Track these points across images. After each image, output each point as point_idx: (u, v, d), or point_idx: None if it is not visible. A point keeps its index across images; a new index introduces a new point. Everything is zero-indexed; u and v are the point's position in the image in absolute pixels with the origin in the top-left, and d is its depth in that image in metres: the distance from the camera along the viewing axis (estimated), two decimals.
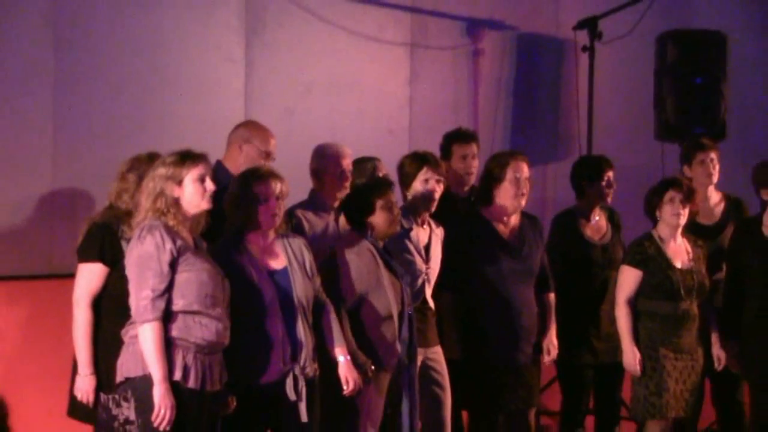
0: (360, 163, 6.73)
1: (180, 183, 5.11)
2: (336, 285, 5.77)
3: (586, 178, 7.05)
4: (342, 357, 5.63)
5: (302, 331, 5.43)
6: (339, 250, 5.88)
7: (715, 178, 7.19)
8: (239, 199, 5.47)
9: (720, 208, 7.25)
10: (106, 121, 6.93)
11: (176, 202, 5.10)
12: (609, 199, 7.02)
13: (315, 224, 6.27)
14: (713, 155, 7.21)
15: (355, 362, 5.66)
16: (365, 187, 6.07)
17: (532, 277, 6.50)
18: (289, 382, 5.39)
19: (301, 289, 5.47)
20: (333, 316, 5.64)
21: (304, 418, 5.41)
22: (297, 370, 5.40)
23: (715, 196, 7.25)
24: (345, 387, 5.62)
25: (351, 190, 6.24)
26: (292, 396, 5.39)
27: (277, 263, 5.50)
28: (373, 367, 5.74)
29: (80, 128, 6.88)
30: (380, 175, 6.61)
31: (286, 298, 5.43)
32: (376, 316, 5.85)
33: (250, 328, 5.35)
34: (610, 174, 7.00)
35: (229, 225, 5.51)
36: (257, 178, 5.47)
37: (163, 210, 5.09)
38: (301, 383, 5.40)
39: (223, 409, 5.35)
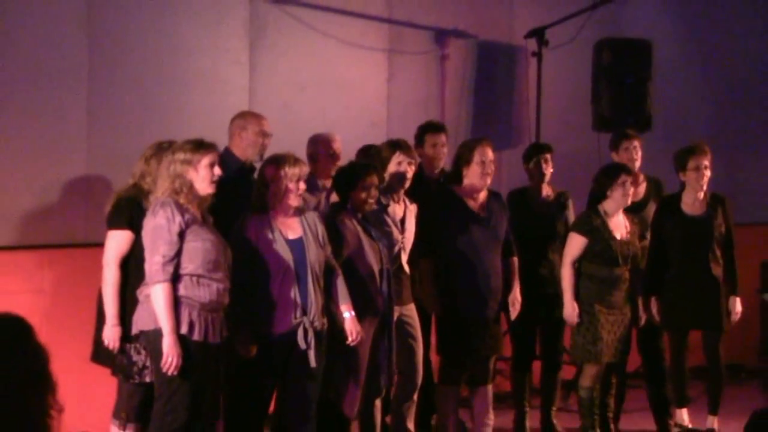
0: (365, 151, 6.70)
1: (195, 167, 5.09)
2: (337, 241, 5.78)
3: (526, 160, 7.08)
4: (348, 313, 5.66)
5: (312, 291, 5.46)
6: (338, 215, 5.91)
7: (637, 163, 7.20)
8: (263, 181, 5.51)
9: (643, 187, 7.28)
10: (132, 113, 6.90)
11: (190, 183, 5.09)
12: (547, 177, 7.03)
13: (310, 201, 6.25)
14: (636, 143, 7.22)
15: None
16: (354, 166, 6.09)
17: (498, 245, 6.51)
18: (300, 332, 5.42)
19: (314, 256, 5.50)
20: (341, 279, 5.67)
21: (313, 363, 5.45)
22: (306, 323, 5.43)
23: (638, 177, 7.27)
24: (349, 337, 5.64)
25: (342, 167, 6.23)
26: (302, 344, 5.42)
27: (294, 234, 5.52)
28: None
29: (110, 118, 6.85)
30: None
31: (301, 264, 5.46)
32: (361, 273, 5.88)
33: (269, 287, 5.42)
34: (542, 157, 7.02)
35: (255, 202, 5.54)
36: (277, 164, 5.48)
37: (178, 190, 5.08)
38: (310, 334, 5.42)
39: (245, 353, 5.40)
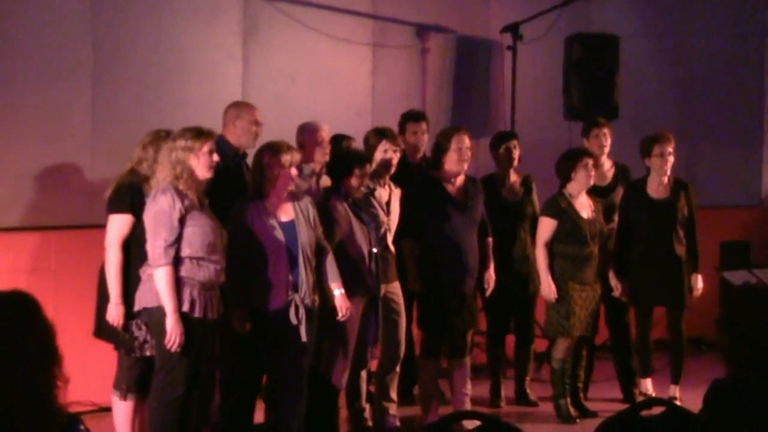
0: (337, 140, 6.71)
1: (196, 154, 5.08)
2: (330, 224, 5.78)
3: (492, 148, 7.08)
4: (338, 290, 5.66)
5: (304, 270, 5.46)
6: (331, 200, 5.90)
7: (606, 149, 7.22)
8: (259, 168, 5.49)
9: (611, 173, 7.30)
10: (133, 103, 6.88)
11: (191, 169, 5.08)
12: (515, 162, 7.01)
13: (300, 186, 6.25)
14: (605, 130, 7.24)
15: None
16: (350, 155, 6.10)
17: (475, 226, 6.51)
18: (292, 309, 5.42)
19: (305, 237, 5.50)
20: (331, 259, 5.67)
21: (304, 338, 5.45)
22: (297, 300, 5.42)
23: (607, 163, 7.30)
24: (339, 313, 5.64)
25: (337, 154, 6.22)
26: (293, 320, 5.43)
27: (287, 216, 5.52)
28: None
29: (112, 109, 6.84)
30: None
31: (293, 245, 5.46)
32: (352, 254, 5.89)
33: (265, 268, 5.42)
34: (511, 144, 7.00)
35: (252, 187, 5.54)
36: (273, 151, 5.46)
37: (179, 175, 5.06)
38: (302, 311, 5.42)
39: (240, 328, 5.42)
